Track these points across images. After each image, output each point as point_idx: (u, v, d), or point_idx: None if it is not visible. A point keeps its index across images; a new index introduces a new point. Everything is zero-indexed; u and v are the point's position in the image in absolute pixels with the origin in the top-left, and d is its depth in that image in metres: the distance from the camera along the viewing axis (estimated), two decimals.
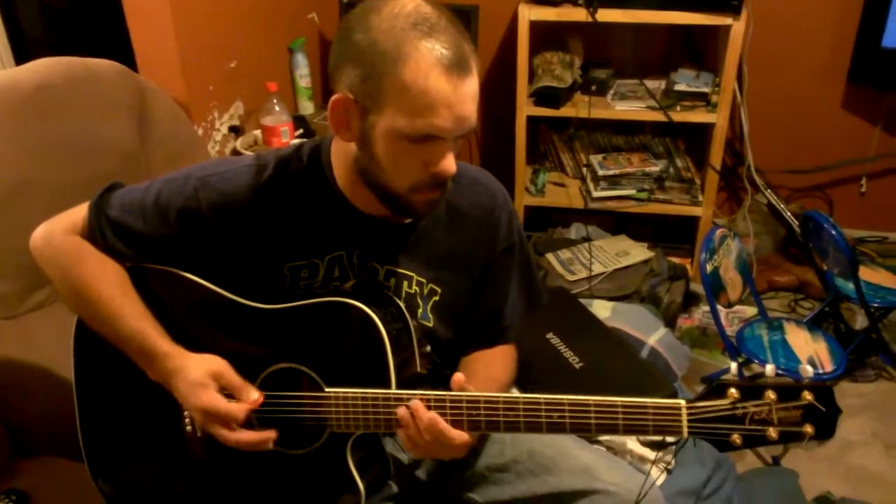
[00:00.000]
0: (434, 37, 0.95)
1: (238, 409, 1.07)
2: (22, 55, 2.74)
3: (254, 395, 1.09)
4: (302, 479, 1.17)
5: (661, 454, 1.64)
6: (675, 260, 2.77)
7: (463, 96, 0.98)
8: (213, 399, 1.07)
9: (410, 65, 0.94)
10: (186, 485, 1.23)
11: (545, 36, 2.81)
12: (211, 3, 2.28)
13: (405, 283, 1.20)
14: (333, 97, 1.02)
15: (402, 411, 1.04)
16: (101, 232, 1.16)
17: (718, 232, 2.13)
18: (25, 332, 1.56)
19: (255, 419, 1.11)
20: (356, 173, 1.08)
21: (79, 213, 1.18)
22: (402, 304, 1.16)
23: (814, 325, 2.28)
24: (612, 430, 1.01)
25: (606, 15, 2.52)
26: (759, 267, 2.91)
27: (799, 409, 0.94)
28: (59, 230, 1.18)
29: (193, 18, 2.18)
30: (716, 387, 0.97)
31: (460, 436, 1.03)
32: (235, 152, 2.39)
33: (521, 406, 1.02)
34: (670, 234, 3.04)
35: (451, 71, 0.95)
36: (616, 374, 1.86)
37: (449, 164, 1.02)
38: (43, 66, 1.69)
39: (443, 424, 1.02)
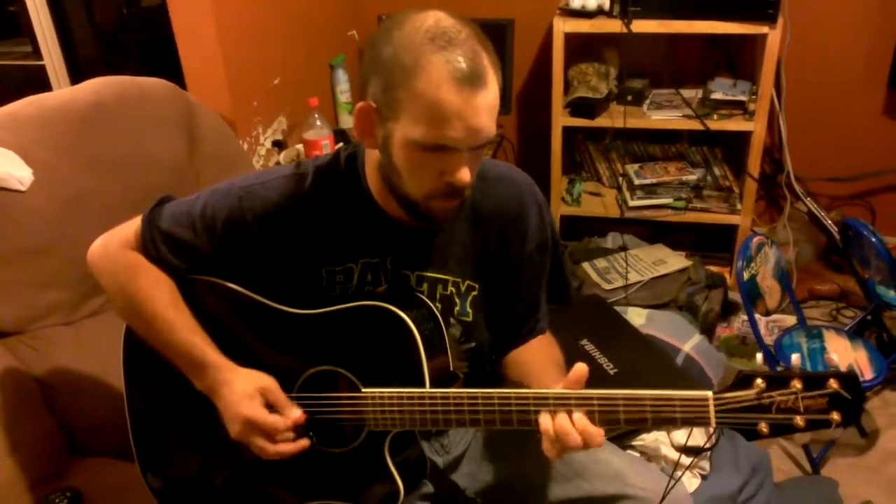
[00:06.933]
0: (449, 50, 0.98)
1: (281, 422, 1.12)
2: (77, 75, 2.88)
3: (296, 414, 1.14)
4: (342, 476, 1.21)
5: (695, 460, 1.64)
6: (714, 269, 2.75)
7: (476, 109, 1.00)
8: (259, 411, 1.12)
9: (424, 77, 0.98)
10: (230, 481, 1.29)
11: (580, 47, 2.84)
12: (255, 23, 2.36)
13: (439, 287, 1.23)
14: (358, 105, 1.08)
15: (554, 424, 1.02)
16: (153, 244, 1.22)
17: (755, 240, 2.12)
18: (81, 338, 1.63)
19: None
20: (382, 179, 1.13)
21: (132, 226, 1.24)
22: (432, 305, 1.20)
23: (856, 333, 2.25)
24: (641, 422, 1.02)
25: (641, 26, 2.53)
26: (799, 275, 2.88)
27: (825, 396, 0.94)
28: (115, 244, 1.24)
29: (239, 38, 2.26)
30: (742, 378, 0.97)
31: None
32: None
33: (551, 401, 1.04)
34: (709, 243, 3.03)
35: (462, 84, 0.98)
36: (650, 380, 1.85)
37: (463, 174, 1.05)
38: (97, 85, 1.78)
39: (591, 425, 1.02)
